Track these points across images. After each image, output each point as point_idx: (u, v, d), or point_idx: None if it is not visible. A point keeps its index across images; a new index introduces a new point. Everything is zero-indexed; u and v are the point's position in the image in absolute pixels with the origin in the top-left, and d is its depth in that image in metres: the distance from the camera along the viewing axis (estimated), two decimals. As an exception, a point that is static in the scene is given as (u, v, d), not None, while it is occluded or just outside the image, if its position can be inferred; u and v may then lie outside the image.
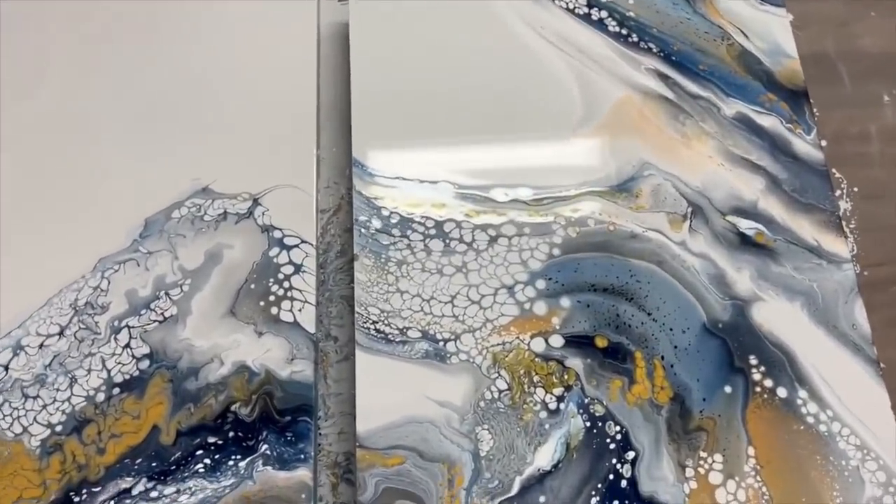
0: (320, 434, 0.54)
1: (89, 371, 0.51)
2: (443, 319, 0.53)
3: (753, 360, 0.53)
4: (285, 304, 0.53)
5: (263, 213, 0.56)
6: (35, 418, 0.49)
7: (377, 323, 0.53)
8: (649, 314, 0.54)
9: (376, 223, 0.56)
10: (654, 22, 0.64)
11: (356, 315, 0.53)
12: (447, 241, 0.55)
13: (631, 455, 0.50)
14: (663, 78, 0.62)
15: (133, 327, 0.52)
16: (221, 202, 0.56)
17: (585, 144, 0.59)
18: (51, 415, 0.50)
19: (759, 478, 0.50)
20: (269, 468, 0.49)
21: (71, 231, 0.54)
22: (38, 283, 0.53)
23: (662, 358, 0.53)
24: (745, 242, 0.57)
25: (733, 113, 0.61)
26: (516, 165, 0.58)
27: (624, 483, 0.50)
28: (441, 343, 0.53)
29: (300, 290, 0.54)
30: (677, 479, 0.50)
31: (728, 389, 0.52)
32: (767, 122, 0.61)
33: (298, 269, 0.54)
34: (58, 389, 0.50)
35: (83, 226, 0.54)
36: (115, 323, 0.52)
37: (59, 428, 0.49)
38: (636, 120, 0.60)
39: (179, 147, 0.57)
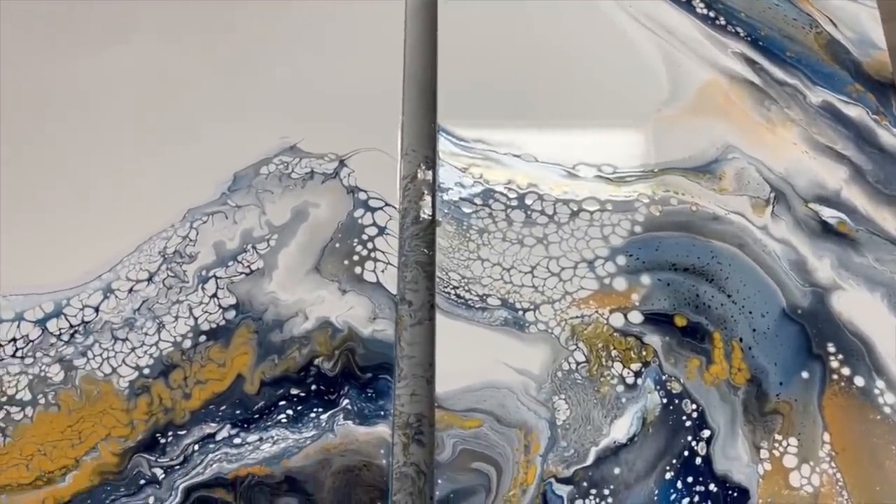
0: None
1: (177, 318, 0.52)
2: (522, 289, 0.54)
3: (832, 348, 0.53)
4: (368, 265, 0.54)
5: (349, 175, 0.56)
6: (124, 360, 0.51)
7: (458, 288, 0.54)
8: (729, 296, 0.54)
9: (459, 191, 0.56)
10: (742, 6, 0.64)
11: (437, 280, 0.54)
12: (529, 212, 0.56)
13: (706, 433, 0.51)
14: (750, 62, 0.62)
15: (220, 278, 0.53)
16: (308, 161, 0.56)
17: (670, 124, 0.59)
18: (139, 358, 0.51)
19: (833, 464, 0.50)
20: (349, 423, 0.50)
21: (161, 181, 0.55)
22: (128, 229, 0.54)
23: (741, 340, 0.53)
24: (827, 231, 0.57)
25: (819, 101, 0.61)
26: (600, 142, 0.58)
27: (699, 460, 0.50)
28: (520, 312, 0.53)
29: (383, 252, 0.54)
30: (752, 459, 0.50)
31: (805, 375, 0.52)
32: (853, 112, 0.61)
33: (382, 231, 0.55)
34: (146, 334, 0.51)
35: (173, 177, 0.55)
36: (203, 272, 0.53)
37: (146, 371, 0.50)
38: (722, 103, 0.60)
39: (268, 106, 0.58)
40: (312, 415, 0.50)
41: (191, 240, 0.54)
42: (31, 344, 0.50)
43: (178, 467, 0.48)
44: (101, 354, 0.51)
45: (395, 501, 0.52)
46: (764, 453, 0.51)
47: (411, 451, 0.55)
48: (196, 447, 0.49)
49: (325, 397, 0.50)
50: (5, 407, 0.49)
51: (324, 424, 0.50)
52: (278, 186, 0.56)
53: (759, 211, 0.57)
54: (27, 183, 0.55)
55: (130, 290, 0.52)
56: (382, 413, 0.50)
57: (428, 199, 0.61)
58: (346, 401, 0.50)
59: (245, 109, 0.57)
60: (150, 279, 0.53)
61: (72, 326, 0.51)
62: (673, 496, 0.49)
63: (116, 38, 0.59)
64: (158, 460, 0.48)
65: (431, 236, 0.60)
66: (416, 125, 0.64)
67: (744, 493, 0.50)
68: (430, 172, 0.62)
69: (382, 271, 0.54)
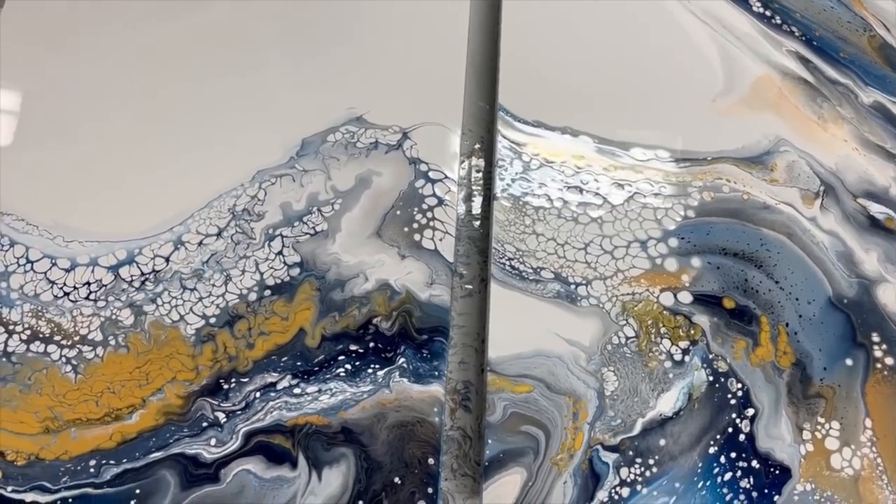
0: (444, 361, 0.57)
1: (243, 272, 0.54)
2: (575, 264, 0.55)
3: (876, 338, 0.54)
4: (427, 233, 0.56)
5: (412, 147, 0.58)
6: (191, 308, 0.53)
7: (512, 260, 0.55)
8: (777, 282, 0.56)
9: (517, 168, 0.58)
10: (798, 7, 0.65)
11: (493, 251, 0.56)
12: (584, 192, 0.58)
13: (750, 412, 0.52)
14: (803, 61, 0.63)
15: (286, 237, 0.55)
16: (373, 132, 0.59)
17: (724, 115, 0.61)
18: (206, 307, 0.53)
19: (874, 449, 0.51)
20: (404, 380, 0.51)
21: (232, 142, 0.57)
22: (199, 186, 0.56)
23: (787, 325, 0.54)
24: (875, 225, 0.58)
25: (871, 101, 0.62)
26: (656, 128, 0.60)
27: (742, 437, 0.51)
28: (572, 286, 0.55)
29: (442, 222, 0.56)
30: (794, 440, 0.52)
31: (849, 362, 0.54)
32: (904, 114, 0.62)
33: (441, 202, 0.57)
34: (213, 285, 0.53)
35: (243, 138, 0.58)
36: (270, 231, 0.55)
37: (212, 320, 0.52)
38: (775, 98, 0.62)
39: (337, 78, 0.60)
40: (369, 370, 0.52)
41: (259, 199, 0.56)
42: (103, 288, 0.53)
43: (239, 412, 0.50)
44: (169, 302, 0.53)
45: (441, 463, 0.53)
46: (806, 434, 0.52)
47: (458, 416, 0.57)
48: (258, 394, 0.50)
49: (382, 355, 0.52)
50: (78, 346, 0.51)
51: (380, 380, 0.51)
52: (344, 154, 0.58)
53: (809, 203, 0.58)
54: (108, 139, 0.57)
55: (200, 244, 0.54)
56: (436, 374, 0.52)
57: (481, 176, 0.63)
58: (402, 359, 0.52)
59: (315, 80, 0.60)
60: (219, 234, 0.55)
61: (143, 274, 0.53)
62: (716, 469, 0.50)
63: (199, 5, 0.61)
64: (221, 405, 0.50)
65: (485, 213, 0.62)
66: (474, 106, 0.66)
67: (786, 471, 0.51)
68: (487, 151, 0.64)
69: (441, 240, 0.56)
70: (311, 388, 0.51)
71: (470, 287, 0.60)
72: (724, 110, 0.61)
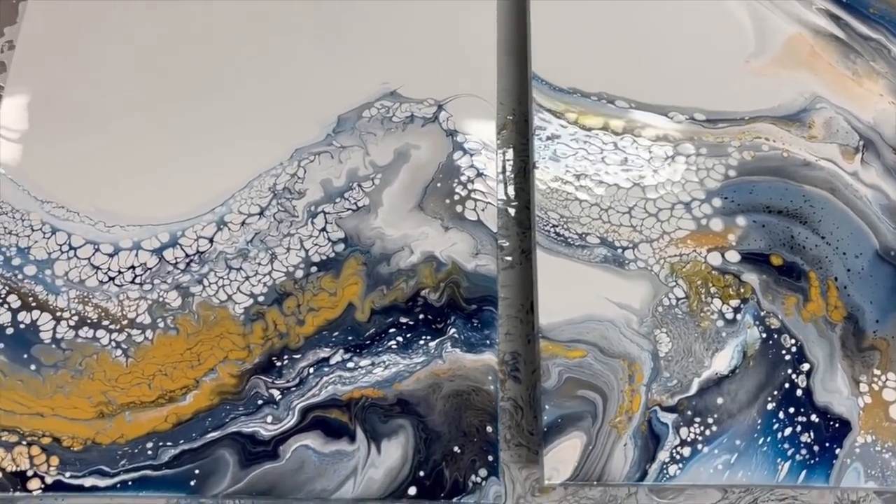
0: (492, 332, 0.56)
1: (288, 249, 0.53)
2: (620, 228, 0.55)
3: (926, 289, 0.54)
4: (469, 204, 0.55)
5: (448, 119, 0.58)
6: (238, 288, 0.52)
7: (557, 227, 0.55)
8: (823, 238, 0.55)
9: (555, 135, 0.58)
10: (825, -35, 0.65)
11: (536, 219, 0.55)
12: (625, 155, 0.57)
13: (806, 367, 0.52)
14: (834, 18, 0.63)
15: (329, 213, 0.54)
16: (408, 106, 0.58)
17: (758, 76, 0.60)
18: (253, 286, 0.52)
19: (932, 398, 0.51)
20: (457, 350, 0.51)
21: (269, 121, 0.57)
22: (238, 167, 0.56)
23: (836, 279, 0.54)
24: (917, 178, 0.58)
25: (904, 56, 0.62)
26: (691, 90, 0.60)
27: (799, 392, 0.51)
28: (619, 250, 0.54)
29: (482, 192, 0.56)
30: (851, 392, 0.51)
31: (901, 313, 0.53)
32: (938, 66, 0.62)
33: (480, 172, 0.56)
34: (259, 264, 0.53)
35: (280, 118, 0.57)
36: (312, 208, 0.55)
37: (261, 298, 0.52)
38: (808, 56, 0.61)
39: (369, 52, 0.60)
40: (421, 342, 0.51)
41: (299, 177, 0.55)
42: (148, 271, 0.52)
43: (294, 389, 0.50)
44: (216, 282, 0.52)
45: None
46: (863, 387, 0.51)
47: (508, 386, 0.56)
48: (311, 370, 0.50)
49: (433, 326, 0.52)
50: (126, 329, 0.51)
51: (432, 351, 0.51)
52: (380, 129, 0.57)
53: (849, 158, 0.58)
54: (142, 124, 0.57)
55: (243, 223, 0.54)
56: (488, 342, 0.51)
57: (517, 148, 0.63)
58: (453, 329, 0.52)
59: (347, 56, 0.59)
60: (261, 213, 0.54)
61: (187, 256, 0.53)
62: (776, 425, 0.50)
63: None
64: (275, 382, 0.50)
65: (521, 185, 0.62)
66: (505, 79, 0.65)
67: (845, 424, 0.50)
68: (520, 124, 0.64)
69: (483, 210, 0.55)
70: (364, 362, 0.50)
71: (510, 259, 0.60)
72: (758, 70, 0.61)
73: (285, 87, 0.58)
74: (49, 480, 0.47)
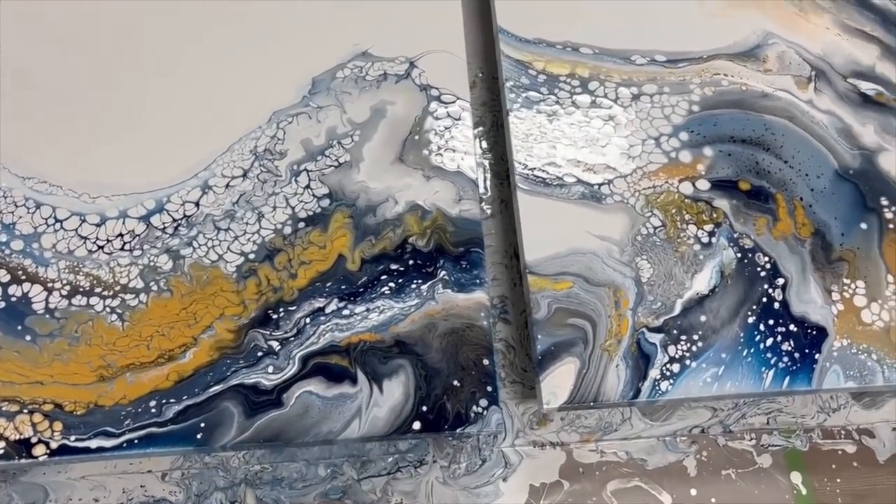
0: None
1: (274, 208, 0.54)
2: (595, 166, 0.57)
3: (885, 202, 0.57)
4: (447, 154, 0.57)
5: (420, 74, 0.59)
6: (229, 248, 0.53)
7: (534, 170, 0.57)
8: (786, 162, 0.58)
9: (524, 83, 0.60)
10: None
11: (514, 164, 0.57)
12: (593, 97, 0.59)
13: (780, 281, 0.54)
14: (778, -39, 0.66)
15: (311, 171, 0.55)
16: (381, 64, 0.60)
17: (711, 17, 0.63)
18: (243, 245, 0.53)
19: (899, 301, 0.54)
20: (448, 291, 0.52)
21: (245, 87, 0.58)
22: (217, 131, 0.56)
23: (801, 199, 0.57)
24: (867, 101, 0.61)
25: (845, -9, 0.65)
26: (650, 34, 0.62)
27: (777, 305, 0.53)
28: (595, 186, 0.56)
29: (460, 142, 0.57)
30: (825, 301, 0.54)
31: (864, 226, 0.56)
32: (877, -1, 0.65)
33: (456, 122, 0.58)
34: (247, 223, 0.54)
35: (256, 82, 0.58)
36: (295, 167, 0.56)
37: (251, 256, 0.53)
38: (756, -4, 0.64)
39: (340, 15, 0.61)
40: (413, 286, 0.52)
41: (279, 139, 0.56)
42: (137, 238, 0.53)
43: (292, 339, 0.50)
44: (206, 244, 0.53)
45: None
46: (835, 296, 0.54)
47: (498, 328, 0.58)
48: (307, 320, 0.51)
49: (423, 270, 0.53)
50: (120, 295, 0.51)
51: (425, 293, 0.52)
52: (355, 88, 0.59)
53: (803, 87, 0.61)
54: (118, 94, 0.57)
55: (227, 186, 0.55)
56: (478, 281, 0.53)
57: (488, 104, 0.64)
58: (443, 272, 0.53)
59: (317, 20, 0.61)
60: (244, 175, 0.55)
61: (174, 220, 0.53)
62: (758, 337, 0.52)
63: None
64: (273, 334, 0.50)
65: (496, 137, 0.63)
66: (472, 38, 0.67)
67: (822, 331, 0.53)
68: (489, 81, 0.66)
69: (461, 159, 0.57)
70: (359, 309, 0.51)
71: (490, 208, 0.62)
72: (712, 12, 0.64)
73: (260, 52, 0.59)
74: (54, 445, 0.47)
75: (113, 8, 0.60)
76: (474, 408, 0.49)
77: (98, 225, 0.53)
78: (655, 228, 0.55)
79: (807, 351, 0.52)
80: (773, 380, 0.51)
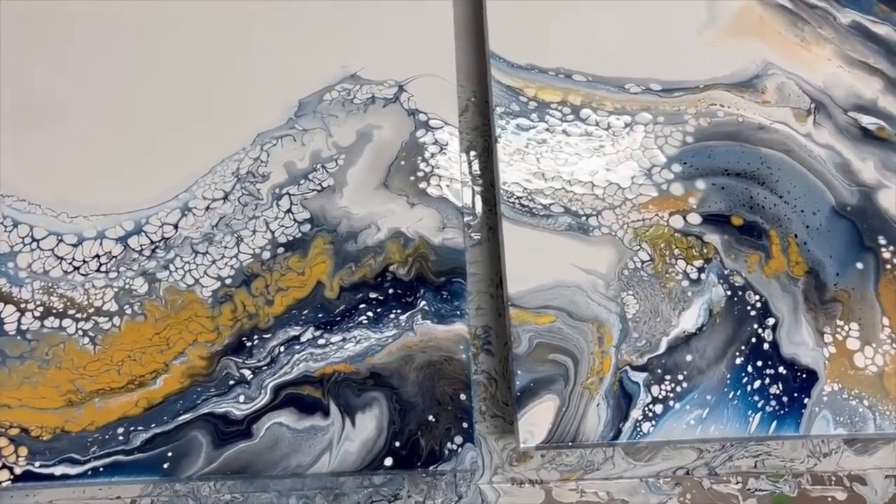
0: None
1: (254, 232, 0.53)
2: (584, 197, 0.56)
3: (882, 241, 0.55)
4: (433, 180, 0.56)
5: (409, 98, 0.59)
6: (205, 272, 0.52)
7: (521, 199, 0.56)
8: (781, 197, 0.57)
9: (515, 109, 0.58)
10: (769, -61, 0.67)
11: (501, 192, 0.56)
12: (584, 126, 0.58)
13: (771, 321, 0.53)
14: (780, -11, 0.65)
15: (293, 195, 0.55)
16: (369, 87, 0.59)
17: (710, 46, 0.62)
18: (220, 269, 0.52)
19: (894, 345, 0.52)
20: (427, 322, 0.51)
21: (230, 108, 0.57)
22: (201, 154, 0.56)
23: (796, 236, 0.55)
24: (868, 136, 0.59)
25: (849, 21, 0.64)
26: (646, 62, 0.61)
27: (766, 346, 0.52)
28: (583, 217, 0.55)
29: (446, 168, 0.56)
30: (817, 343, 0.52)
31: (860, 266, 0.55)
32: (882, 30, 0.64)
33: (444, 149, 0.57)
34: (225, 247, 0.53)
35: (241, 104, 0.57)
36: (277, 190, 0.55)
37: (228, 281, 0.52)
38: (757, 25, 0.63)
39: (327, 36, 0.60)
40: (392, 316, 0.51)
41: (262, 161, 0.56)
42: (114, 259, 0.52)
43: (265, 368, 0.49)
44: (182, 267, 0.52)
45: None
46: (828, 338, 0.52)
47: (481, 359, 0.57)
48: (282, 349, 0.50)
49: (403, 300, 0.52)
50: (93, 317, 0.50)
51: (403, 324, 0.51)
52: (342, 111, 0.58)
53: (802, 120, 0.60)
54: (102, 113, 0.56)
55: (207, 208, 0.54)
56: (458, 313, 0.52)
57: (480, 129, 0.63)
58: (423, 302, 0.52)
59: (305, 41, 0.60)
60: (225, 197, 0.54)
61: (152, 242, 0.53)
62: (745, 379, 0.51)
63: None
64: (246, 362, 0.49)
65: (486, 163, 0.62)
66: (465, 62, 0.66)
67: (812, 374, 0.51)
68: (482, 105, 0.65)
69: (447, 186, 0.56)
70: (336, 338, 0.50)
71: (478, 236, 0.61)
72: (710, 41, 0.62)
73: (246, 73, 0.58)
74: (18, 471, 0.46)
75: (95, 26, 0.59)
76: (449, 444, 0.48)
77: (75, 245, 0.52)
78: (643, 263, 0.54)
79: (796, 395, 0.51)
80: (760, 424, 0.50)
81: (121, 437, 0.47)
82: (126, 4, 0.60)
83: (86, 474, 0.46)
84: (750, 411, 0.50)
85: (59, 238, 0.52)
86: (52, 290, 0.51)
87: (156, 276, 0.52)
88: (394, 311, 0.51)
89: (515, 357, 0.50)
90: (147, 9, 0.60)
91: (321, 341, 0.50)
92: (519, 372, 0.50)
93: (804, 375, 0.51)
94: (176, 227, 0.53)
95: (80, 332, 0.50)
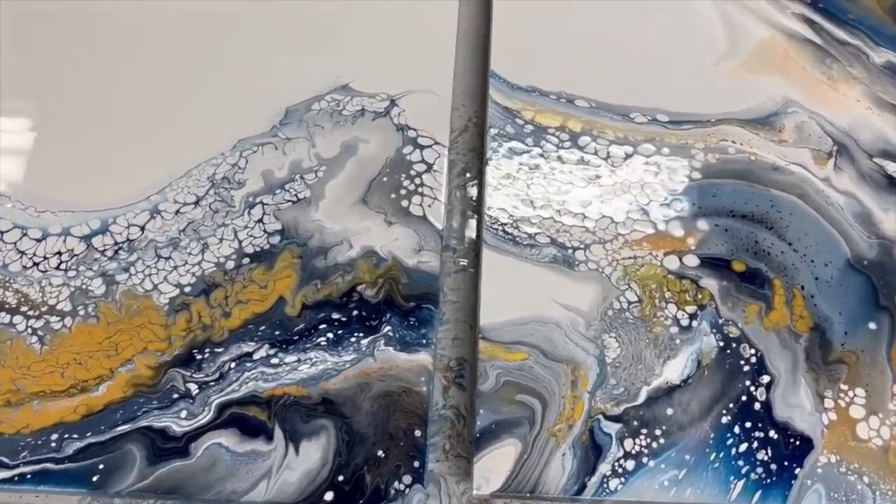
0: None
1: (221, 240, 0.51)
2: (573, 229, 0.52)
3: (901, 301, 0.50)
4: (415, 199, 0.53)
5: (400, 114, 0.56)
6: (166, 277, 0.50)
7: (505, 225, 0.52)
8: (790, 244, 0.52)
9: (510, 132, 0.55)
10: (802, -29, 0.63)
11: (485, 217, 0.53)
12: (581, 155, 0.55)
13: (766, 379, 0.48)
14: (809, 23, 0.60)
15: (267, 204, 0.52)
16: (360, 99, 0.56)
17: (727, 78, 0.58)
18: (181, 276, 0.50)
19: (905, 417, 0.47)
20: (390, 349, 0.48)
21: (214, 111, 0.56)
22: (178, 156, 0.54)
23: (802, 288, 0.51)
24: (893, 185, 0.54)
25: (883, 61, 0.59)
26: (655, 91, 0.57)
27: (758, 406, 0.47)
28: (570, 250, 0.51)
29: (430, 188, 0.53)
30: (815, 408, 0.47)
31: (873, 326, 0.49)
32: (919, 73, 0.59)
33: (430, 167, 0.54)
34: (190, 253, 0.51)
35: (226, 108, 0.56)
36: (250, 199, 0.53)
37: (187, 289, 0.50)
38: (780, 60, 0.59)
39: (324, 45, 0.58)
40: (353, 339, 0.48)
41: (240, 167, 0.54)
42: (75, 258, 0.50)
43: (212, 383, 0.47)
44: (143, 271, 0.50)
45: (433, 444, 0.50)
46: (829, 403, 0.47)
47: (451, 393, 0.53)
48: (232, 365, 0.47)
49: (367, 323, 0.49)
50: (45, 316, 0.48)
51: (364, 349, 0.48)
52: (329, 122, 0.55)
53: (821, 163, 0.55)
54: (83, 108, 0.55)
55: (177, 212, 0.52)
56: (424, 342, 0.48)
57: (478, 150, 0.60)
58: (388, 327, 0.49)
59: (300, 48, 0.58)
60: (197, 202, 0.52)
61: (116, 243, 0.51)
62: (730, 440, 0.46)
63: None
64: (193, 375, 0.47)
65: (477, 187, 0.59)
66: (468, 80, 0.63)
67: (807, 441, 0.46)
68: (481, 126, 0.62)
69: (429, 206, 0.53)
70: (290, 358, 0.48)
71: (464, 263, 0.57)
72: (728, 73, 0.58)
73: (236, 77, 0.57)
74: (-55, 470, 0.44)
75: (78, 24, 0.58)
76: (396, 483, 0.45)
77: (38, 240, 0.51)
78: (630, 304, 0.50)
79: (786, 463, 0.46)
80: (742, 492, 0.45)
81: (53, 444, 0.45)
82: (116, 3, 0.59)
83: (12, 480, 0.44)
84: (732, 476, 0.45)
85: (24, 232, 0.51)
86: (8, 284, 0.49)
87: (115, 279, 0.50)
88: (356, 334, 0.48)
89: (479, 394, 0.47)
90: (140, 8, 0.59)
91: (274, 360, 0.47)
92: (482, 411, 0.46)
93: (798, 442, 0.46)
94: (143, 228, 0.51)
95: (30, 331, 0.48)
